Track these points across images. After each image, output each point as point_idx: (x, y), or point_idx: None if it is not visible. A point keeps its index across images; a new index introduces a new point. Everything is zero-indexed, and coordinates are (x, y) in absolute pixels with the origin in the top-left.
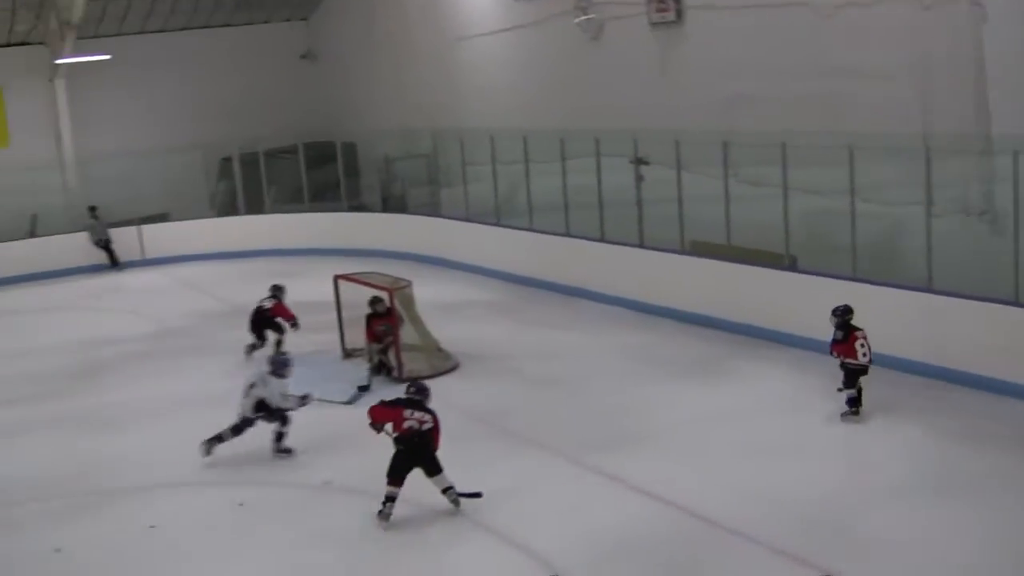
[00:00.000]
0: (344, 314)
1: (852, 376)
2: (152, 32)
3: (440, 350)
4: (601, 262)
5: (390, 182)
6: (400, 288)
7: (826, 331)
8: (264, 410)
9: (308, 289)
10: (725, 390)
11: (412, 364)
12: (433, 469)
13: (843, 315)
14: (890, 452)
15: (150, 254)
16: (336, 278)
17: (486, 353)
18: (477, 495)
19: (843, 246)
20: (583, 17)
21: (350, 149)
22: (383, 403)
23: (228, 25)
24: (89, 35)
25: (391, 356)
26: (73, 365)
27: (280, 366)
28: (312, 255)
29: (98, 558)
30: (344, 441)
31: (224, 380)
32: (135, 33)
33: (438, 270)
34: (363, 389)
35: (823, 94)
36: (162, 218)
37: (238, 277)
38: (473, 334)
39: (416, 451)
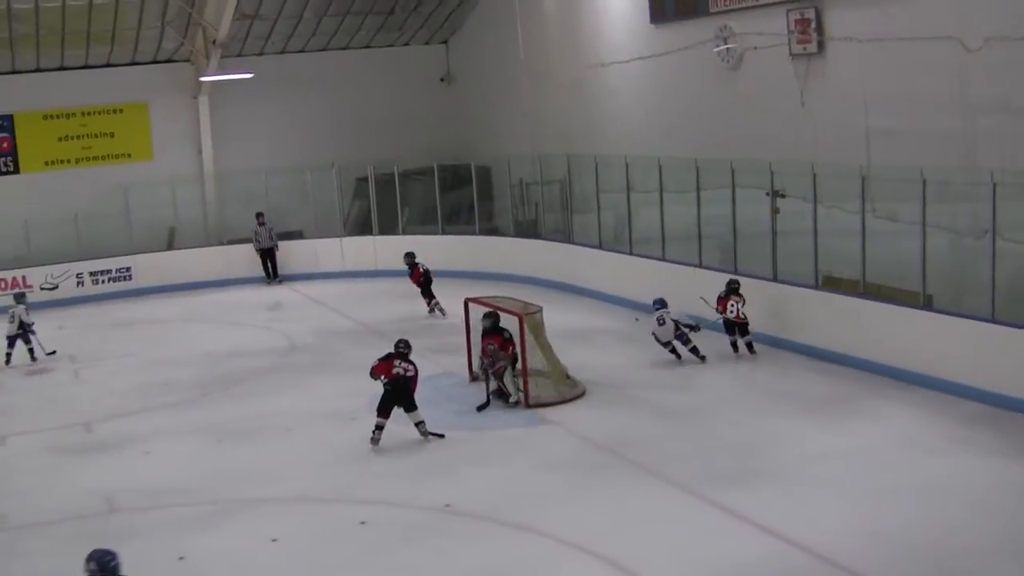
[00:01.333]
0: (473, 337)
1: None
2: (293, 52)
3: (568, 377)
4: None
5: (523, 207)
6: (530, 313)
7: (959, 371)
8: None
9: (416, 310)
10: (852, 428)
11: (538, 390)
12: (410, 407)
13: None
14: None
15: (283, 270)
16: (467, 301)
17: (612, 381)
18: (441, 436)
19: (981, 286)
20: (723, 46)
21: (485, 172)
22: (380, 360)
23: (369, 47)
24: (233, 54)
25: (507, 381)
26: (206, 376)
27: None
28: (443, 277)
29: (220, 569)
30: (466, 465)
31: (352, 398)
32: (277, 53)
33: (568, 296)
34: (481, 408)
35: (965, 129)
36: (297, 235)
37: (368, 296)
38: (600, 362)
39: (399, 392)
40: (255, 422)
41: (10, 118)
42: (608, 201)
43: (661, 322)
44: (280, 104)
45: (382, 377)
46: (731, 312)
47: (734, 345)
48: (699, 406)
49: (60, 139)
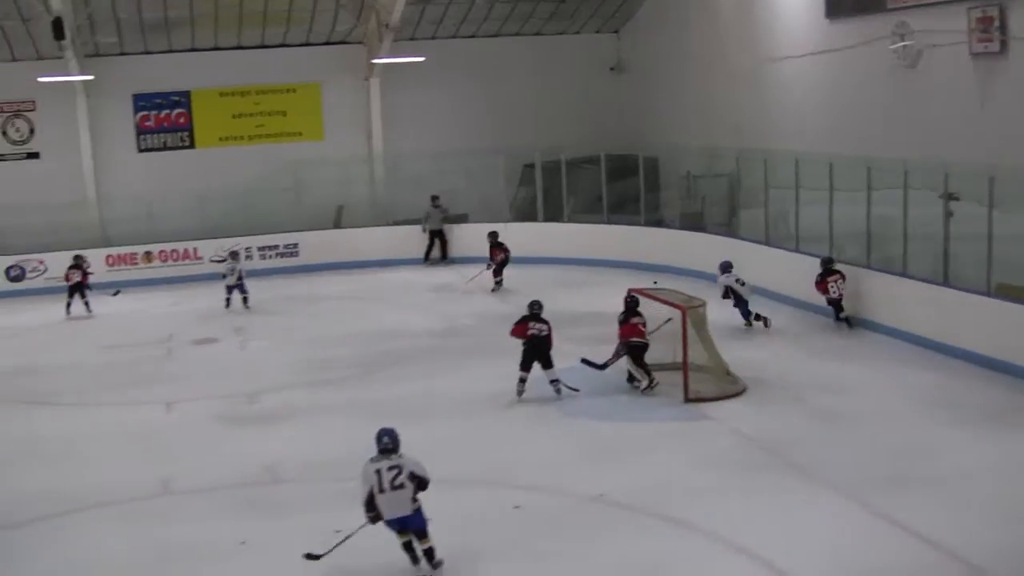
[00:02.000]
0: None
1: None
2: (465, 37)
3: (728, 374)
4: (899, 297)
5: (690, 199)
6: (694, 307)
7: None
8: None
9: (597, 300)
10: (1018, 441)
11: (699, 385)
12: (547, 364)
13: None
14: None
15: (447, 253)
16: (630, 292)
17: (772, 380)
18: (575, 390)
19: None
20: (900, 44)
21: (652, 163)
22: (516, 323)
23: (539, 34)
24: (405, 37)
25: (638, 370)
26: (367, 355)
27: None
28: (606, 267)
29: (374, 544)
30: (622, 455)
31: (509, 382)
32: (448, 37)
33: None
34: (586, 363)
35: None
36: (462, 219)
37: (529, 282)
38: (761, 359)
39: (537, 349)
40: (413, 402)
41: (187, 94)
42: (775, 197)
43: (741, 283)
44: (449, 88)
45: (520, 339)
46: (833, 292)
47: (843, 320)
48: (857, 409)
49: (234, 116)
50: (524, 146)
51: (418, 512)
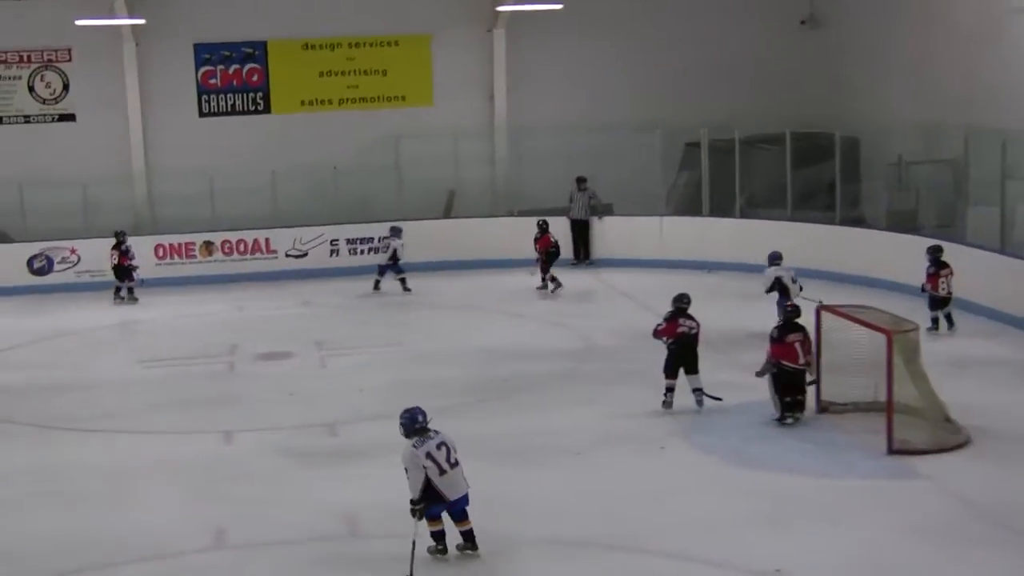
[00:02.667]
0: (825, 356)
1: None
2: None
3: (947, 420)
4: None
5: (900, 192)
6: (904, 331)
7: None
8: None
9: (774, 319)
10: None
11: (907, 432)
12: (693, 368)
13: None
14: None
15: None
16: (819, 309)
17: (1004, 429)
18: (718, 398)
19: None
20: None
21: (851, 145)
22: (666, 320)
23: None
24: None
25: (775, 397)
26: (479, 379)
27: None
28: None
29: None
30: (806, 520)
31: (659, 419)
32: None
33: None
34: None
35: None
36: (605, 210)
37: (692, 293)
38: (989, 401)
39: (685, 350)
40: (535, 441)
41: (263, 46)
42: (1016, 191)
43: (795, 281)
44: (593, 45)
45: (665, 339)
46: (943, 289)
47: (935, 321)
48: None
49: (321, 75)
50: (686, 120)
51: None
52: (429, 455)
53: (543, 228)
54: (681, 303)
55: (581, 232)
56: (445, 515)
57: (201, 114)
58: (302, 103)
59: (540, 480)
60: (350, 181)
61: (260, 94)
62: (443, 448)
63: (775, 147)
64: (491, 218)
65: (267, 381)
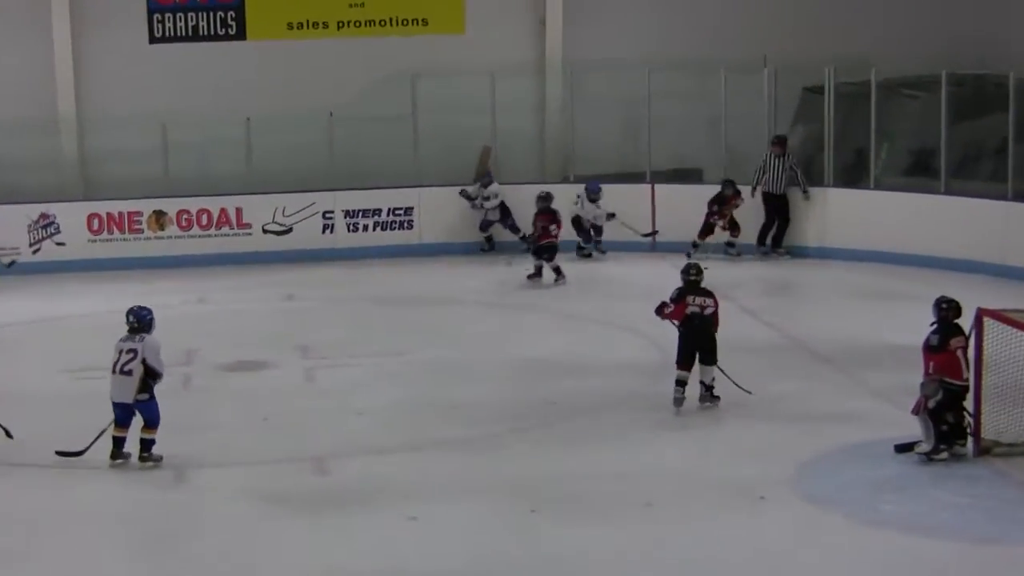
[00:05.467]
0: (991, 377)
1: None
2: None
3: None
4: None
5: None
6: None
7: None
8: None
9: (916, 324)
10: None
11: None
12: (709, 357)
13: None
14: None
15: (668, 232)
16: (980, 314)
17: None
18: (748, 391)
19: None
20: None
21: None
22: (673, 299)
23: None
24: None
25: (927, 423)
26: (518, 401)
27: None
28: (939, 268)
29: None
30: None
31: (758, 459)
32: None
33: None
34: (902, 449)
35: None
36: (692, 176)
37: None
38: None
39: (699, 335)
40: (591, 486)
41: None
42: None
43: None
44: None
45: (674, 322)
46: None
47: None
48: None
49: None
50: (805, 57)
51: (144, 404)
52: (119, 350)
53: (545, 205)
54: (689, 275)
55: (777, 210)
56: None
57: (152, 40)
58: (288, 27)
59: (598, 539)
60: (350, 133)
61: (232, 14)
62: (129, 354)
63: (925, 93)
64: (540, 184)
65: (234, 400)
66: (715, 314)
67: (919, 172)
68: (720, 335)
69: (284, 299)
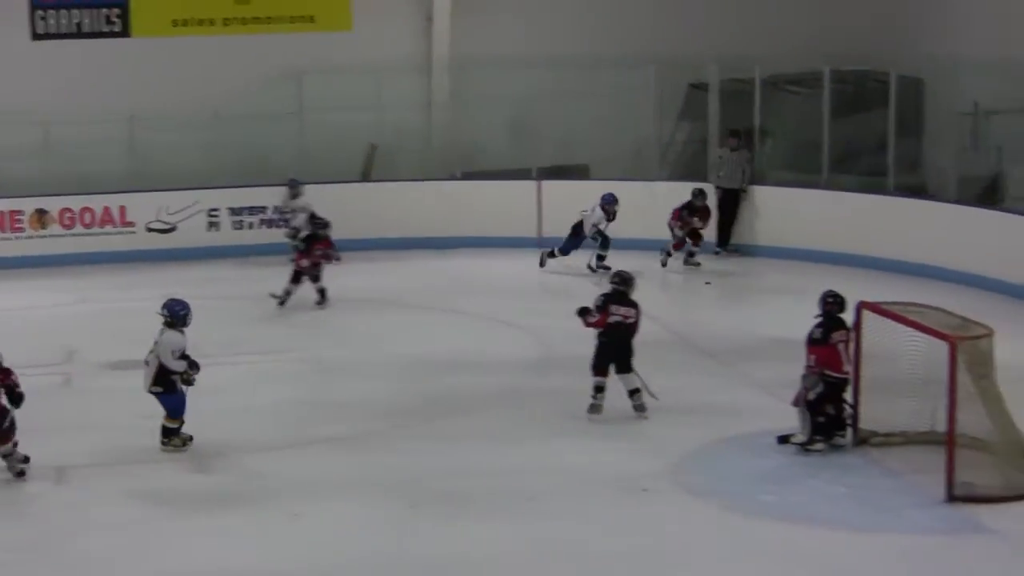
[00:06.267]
0: (869, 369)
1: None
2: None
3: None
4: None
5: (977, 152)
6: (971, 338)
7: None
8: None
9: (798, 318)
10: None
11: (974, 473)
12: (627, 365)
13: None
14: None
15: (549, 229)
16: (861, 307)
17: None
18: (655, 397)
19: None
20: None
21: (912, 88)
22: (597, 308)
23: None
24: None
25: (805, 414)
26: (402, 398)
27: None
28: (822, 262)
29: None
30: None
31: (645, 455)
32: None
33: None
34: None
35: None
36: (579, 172)
37: (690, 281)
38: None
39: (619, 344)
40: (478, 482)
41: None
42: None
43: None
44: None
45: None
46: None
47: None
48: None
49: None
50: (690, 54)
51: (160, 396)
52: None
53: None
54: (618, 283)
55: (730, 206)
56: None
57: (35, 36)
58: (174, 23)
59: (479, 535)
60: (236, 130)
61: (116, 11)
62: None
63: (809, 90)
64: (426, 182)
65: (117, 400)
66: (635, 324)
67: (802, 167)
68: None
69: (168, 297)
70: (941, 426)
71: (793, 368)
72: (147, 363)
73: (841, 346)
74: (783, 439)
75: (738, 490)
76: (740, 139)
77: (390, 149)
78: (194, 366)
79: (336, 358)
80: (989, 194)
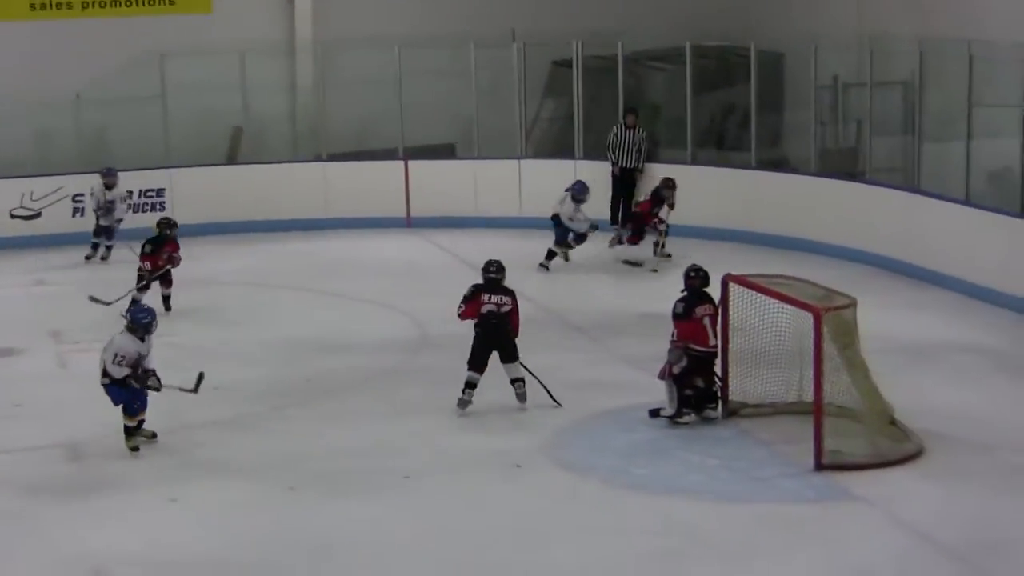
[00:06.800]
0: (737, 341)
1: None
2: None
3: (893, 423)
4: None
5: (837, 126)
6: (835, 308)
7: None
8: None
9: (665, 294)
10: None
11: (842, 442)
12: (510, 355)
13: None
14: None
15: (417, 209)
16: (726, 280)
17: (971, 436)
18: (557, 404)
19: None
20: None
21: (773, 63)
22: (466, 300)
23: None
24: None
25: (672, 388)
26: (280, 380)
27: None
28: (687, 237)
29: None
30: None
31: (517, 432)
32: None
33: (909, 286)
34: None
35: None
36: (445, 152)
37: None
38: (952, 400)
39: (495, 334)
40: (355, 462)
41: None
42: (985, 121)
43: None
44: None
45: (472, 321)
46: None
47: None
48: None
49: None
50: (553, 31)
51: (108, 387)
52: None
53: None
54: (488, 272)
55: (627, 187)
56: None
57: None
58: (31, 7)
59: (357, 514)
60: (98, 115)
61: None
62: None
63: (672, 66)
64: (293, 163)
65: None
66: (513, 312)
67: (668, 142)
68: None
69: (34, 284)
70: (809, 396)
71: (663, 343)
72: (102, 356)
73: (707, 320)
74: (654, 413)
75: (612, 464)
76: (637, 117)
77: (256, 132)
78: (144, 378)
79: (210, 342)
80: (849, 166)
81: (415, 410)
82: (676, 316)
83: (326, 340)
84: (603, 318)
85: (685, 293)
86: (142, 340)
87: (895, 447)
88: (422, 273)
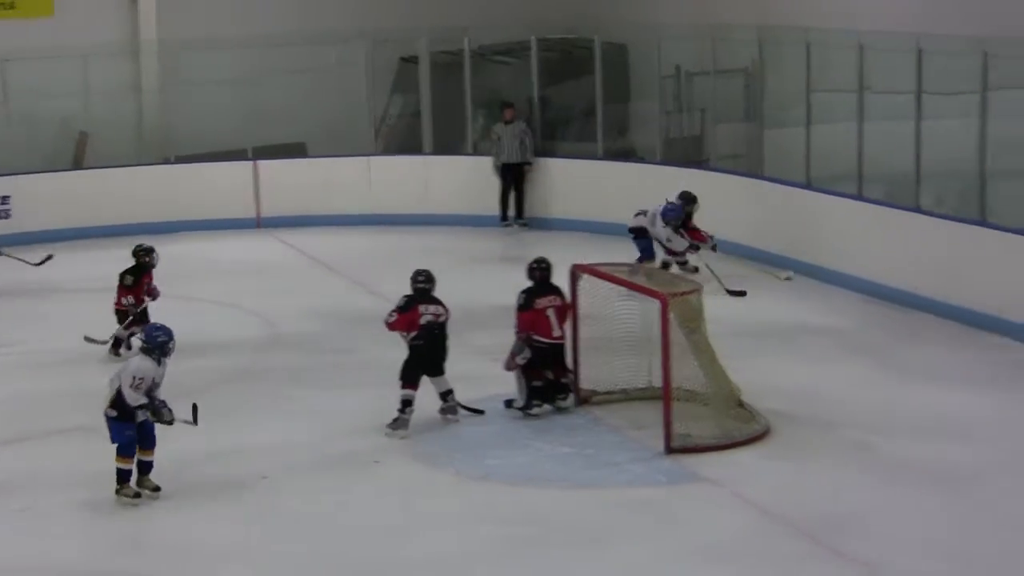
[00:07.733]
0: (585, 330)
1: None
2: None
3: (740, 405)
4: None
5: (681, 114)
6: (680, 294)
7: None
8: None
9: (510, 285)
10: None
11: (689, 424)
12: (439, 368)
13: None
14: None
15: (268, 209)
16: (574, 270)
17: (816, 414)
18: (480, 412)
19: None
20: None
21: (617, 54)
22: (398, 309)
23: None
24: None
25: (521, 379)
26: None
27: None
28: (539, 231)
29: None
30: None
31: (372, 431)
32: None
33: (754, 272)
34: (509, 404)
35: None
36: (295, 151)
37: (410, 257)
38: (800, 381)
39: (433, 347)
40: (210, 465)
41: None
42: (824, 106)
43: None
44: None
45: (404, 333)
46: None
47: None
48: (969, 462)
49: None
50: (401, 28)
51: (111, 421)
52: None
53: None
54: (418, 282)
55: (514, 182)
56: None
57: None
58: None
59: (211, 517)
60: None
61: None
62: None
63: (518, 60)
64: (139, 167)
65: None
66: (447, 323)
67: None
68: (324, 304)
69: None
70: (658, 381)
71: (508, 335)
72: (111, 382)
73: (551, 311)
74: (508, 403)
75: (467, 456)
76: (515, 111)
77: (101, 135)
78: (160, 411)
79: (63, 348)
80: (694, 154)
81: (271, 410)
82: (518, 307)
83: (178, 343)
84: (458, 311)
85: (530, 286)
86: (158, 363)
87: (742, 428)
88: (272, 273)
